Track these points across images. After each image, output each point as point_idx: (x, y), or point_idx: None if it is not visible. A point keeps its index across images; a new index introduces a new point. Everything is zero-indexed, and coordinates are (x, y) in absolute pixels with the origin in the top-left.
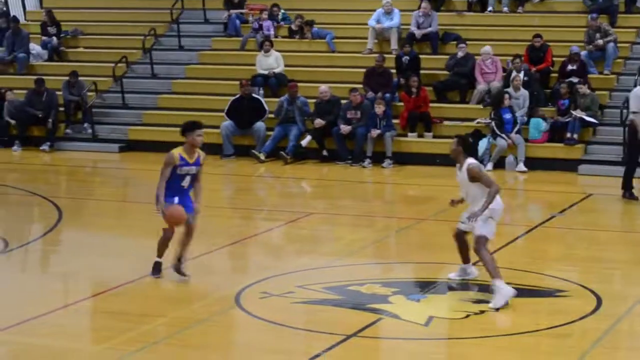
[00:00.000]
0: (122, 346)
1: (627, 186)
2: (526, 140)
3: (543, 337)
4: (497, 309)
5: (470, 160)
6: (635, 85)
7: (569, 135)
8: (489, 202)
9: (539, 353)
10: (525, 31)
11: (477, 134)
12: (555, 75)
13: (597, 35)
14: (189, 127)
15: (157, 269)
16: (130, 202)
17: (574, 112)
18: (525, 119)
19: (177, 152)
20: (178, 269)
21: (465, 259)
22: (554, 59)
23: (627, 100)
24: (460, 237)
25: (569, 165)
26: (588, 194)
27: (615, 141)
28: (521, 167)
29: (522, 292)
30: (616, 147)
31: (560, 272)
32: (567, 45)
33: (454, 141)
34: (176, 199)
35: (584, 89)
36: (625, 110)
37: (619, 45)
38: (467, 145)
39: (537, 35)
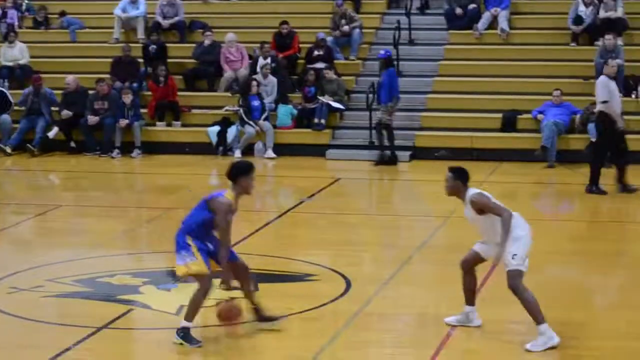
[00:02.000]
0: None
1: (595, 180)
2: (275, 126)
3: (294, 321)
4: (533, 351)
5: (472, 192)
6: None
7: (316, 120)
8: (507, 233)
9: (291, 337)
10: (272, 18)
11: (226, 122)
12: (303, 61)
13: (343, 21)
14: (246, 170)
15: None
16: None
17: (321, 98)
18: (274, 105)
19: (230, 197)
20: (264, 316)
21: (471, 300)
22: (301, 45)
23: (372, 85)
24: (470, 265)
25: (317, 151)
26: (336, 178)
27: (362, 125)
28: (270, 153)
29: (273, 277)
30: (363, 131)
31: (310, 256)
32: (313, 31)
33: (449, 176)
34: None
35: (330, 75)
36: (371, 95)
37: (364, 30)
38: (465, 176)
39: (284, 22)
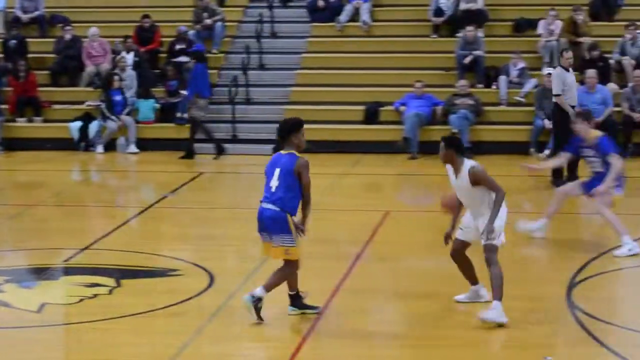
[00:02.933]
0: None
1: (558, 174)
2: (137, 121)
3: (158, 317)
4: (484, 320)
5: (471, 162)
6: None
7: (179, 115)
8: (498, 210)
9: (155, 333)
10: (134, 12)
11: (88, 117)
12: (165, 55)
13: (205, 14)
14: (296, 126)
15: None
16: None
17: (183, 92)
18: (136, 100)
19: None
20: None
21: (473, 278)
22: (163, 39)
23: (235, 79)
24: (460, 253)
25: (180, 145)
26: (199, 173)
27: (225, 119)
28: (132, 148)
29: (136, 273)
30: (226, 124)
31: (173, 251)
32: (175, 25)
33: (441, 145)
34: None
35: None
36: (234, 88)
37: (226, 24)
38: (459, 145)
39: (146, 16)
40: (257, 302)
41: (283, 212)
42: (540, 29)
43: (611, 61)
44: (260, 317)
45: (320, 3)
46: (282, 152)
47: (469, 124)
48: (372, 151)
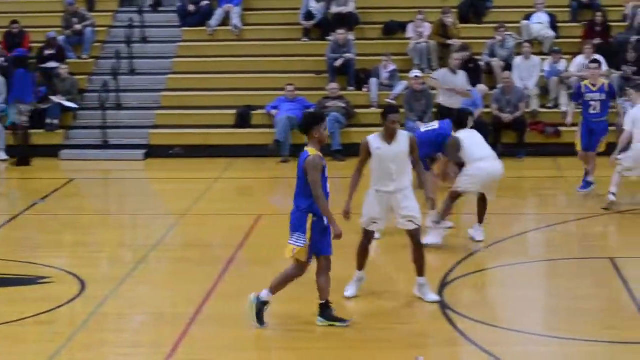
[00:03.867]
0: None
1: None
2: (6, 127)
3: (29, 326)
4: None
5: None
6: None
7: (49, 121)
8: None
9: (25, 342)
10: (3, 17)
11: None
12: (34, 61)
13: (75, 19)
14: (318, 119)
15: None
16: None
17: (52, 98)
18: (5, 106)
19: (313, 152)
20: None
21: (362, 265)
22: (32, 44)
23: (105, 84)
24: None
25: (51, 151)
26: (70, 179)
27: (95, 125)
28: (2, 155)
29: (5, 281)
30: (96, 130)
31: (44, 259)
32: (44, 30)
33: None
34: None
35: (63, 74)
36: (104, 94)
37: (96, 29)
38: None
39: (14, 22)
40: (261, 306)
41: (298, 210)
42: (409, 32)
43: (481, 63)
44: (261, 321)
45: (191, 7)
46: (305, 148)
47: (340, 126)
48: (244, 155)
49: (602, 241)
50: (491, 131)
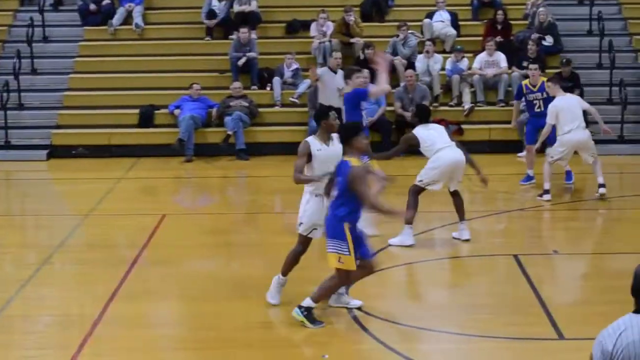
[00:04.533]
0: None
1: None
2: None
3: None
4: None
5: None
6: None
7: None
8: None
9: None
10: None
11: None
12: None
13: None
14: (356, 130)
15: None
16: None
17: None
18: None
19: (355, 162)
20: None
21: (286, 271)
22: None
23: (6, 84)
24: (304, 250)
25: None
26: None
27: None
28: None
29: None
30: None
31: None
32: None
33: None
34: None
35: None
36: (5, 94)
37: None
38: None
39: None
40: (306, 313)
41: (334, 218)
42: (312, 31)
43: None
44: (317, 322)
45: (92, 6)
46: (344, 157)
47: (244, 125)
48: (148, 154)
49: (506, 238)
50: (394, 129)
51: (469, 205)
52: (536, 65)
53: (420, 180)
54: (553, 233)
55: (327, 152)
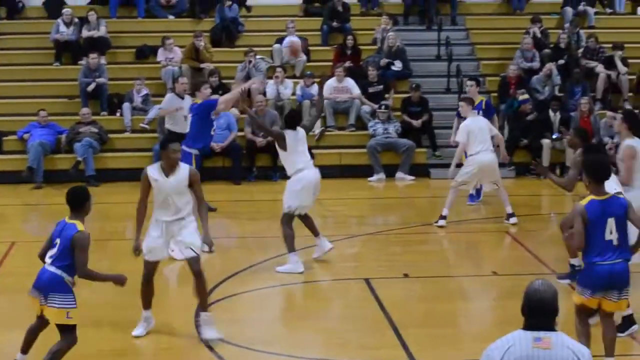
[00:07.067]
0: None
1: None
2: None
3: None
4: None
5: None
6: None
7: None
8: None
9: None
10: None
11: None
12: None
13: None
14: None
15: None
16: None
17: None
18: None
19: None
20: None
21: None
22: None
23: None
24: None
25: None
26: None
27: None
28: None
29: None
30: None
31: None
32: None
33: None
34: None
35: None
36: None
37: None
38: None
39: None
40: None
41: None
42: (159, 57)
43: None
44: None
45: None
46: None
47: (93, 151)
48: None
49: (357, 262)
50: (245, 154)
51: (322, 230)
52: (473, 82)
53: (290, 208)
54: (403, 257)
55: (163, 183)
